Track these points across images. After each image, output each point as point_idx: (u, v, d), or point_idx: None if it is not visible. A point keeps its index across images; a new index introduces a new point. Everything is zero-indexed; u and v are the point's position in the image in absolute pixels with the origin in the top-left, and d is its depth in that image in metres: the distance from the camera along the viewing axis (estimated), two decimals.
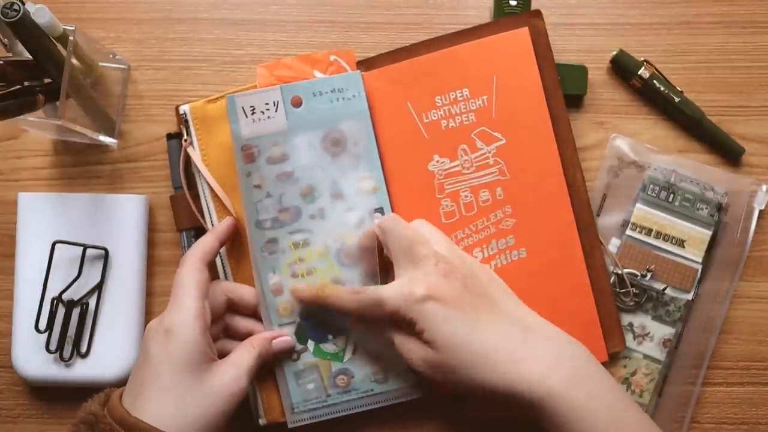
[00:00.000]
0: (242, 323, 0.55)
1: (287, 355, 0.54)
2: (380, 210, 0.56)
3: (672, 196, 0.59)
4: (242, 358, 0.50)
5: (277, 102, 0.55)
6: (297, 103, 0.55)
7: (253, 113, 0.54)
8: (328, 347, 0.54)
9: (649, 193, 0.59)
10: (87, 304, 0.58)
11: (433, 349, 0.47)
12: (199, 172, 0.58)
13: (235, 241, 0.57)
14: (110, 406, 0.45)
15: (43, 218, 0.59)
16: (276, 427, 0.56)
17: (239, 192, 0.55)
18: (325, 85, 0.56)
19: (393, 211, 0.57)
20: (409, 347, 0.49)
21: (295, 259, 0.55)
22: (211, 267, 0.54)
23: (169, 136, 0.60)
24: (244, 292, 0.55)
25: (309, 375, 0.54)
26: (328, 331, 0.55)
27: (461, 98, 0.57)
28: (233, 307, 0.55)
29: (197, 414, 0.45)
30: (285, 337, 0.54)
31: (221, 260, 0.58)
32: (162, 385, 0.46)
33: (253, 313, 0.55)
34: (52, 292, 0.57)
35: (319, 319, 0.55)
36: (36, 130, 0.61)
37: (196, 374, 0.46)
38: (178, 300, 0.49)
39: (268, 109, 0.55)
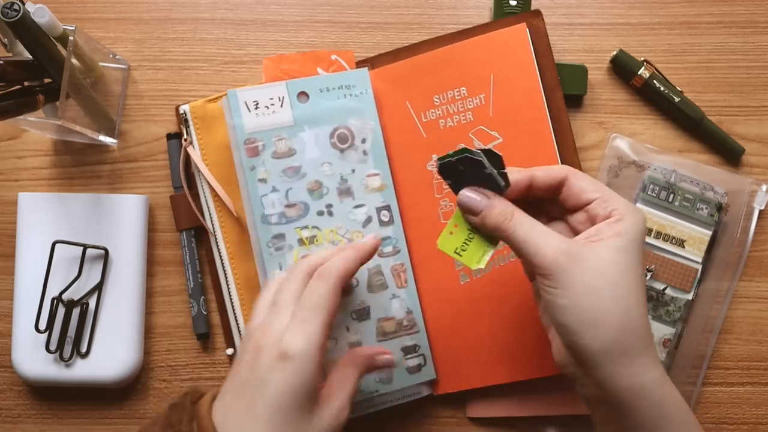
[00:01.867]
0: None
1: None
2: (387, 207, 0.56)
3: (672, 196, 0.59)
4: (346, 382, 0.44)
5: (283, 97, 0.55)
6: (303, 98, 0.55)
7: (256, 108, 0.54)
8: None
9: (649, 193, 0.59)
10: (87, 304, 0.58)
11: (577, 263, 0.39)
12: (199, 171, 0.58)
13: (236, 241, 0.57)
14: (201, 425, 0.40)
15: (43, 218, 0.59)
16: None
17: (239, 187, 0.55)
18: (332, 81, 0.56)
19: (399, 208, 0.57)
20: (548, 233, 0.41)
21: (303, 255, 0.55)
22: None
23: (169, 136, 0.60)
24: (352, 269, 0.47)
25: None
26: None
27: (459, 97, 0.57)
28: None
29: None
30: (388, 355, 0.49)
31: (221, 260, 0.58)
32: (270, 418, 0.39)
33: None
34: (52, 292, 0.57)
35: None
36: (36, 130, 0.61)
37: (306, 408, 0.41)
38: (305, 321, 0.42)
39: (272, 104, 0.55)
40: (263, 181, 0.54)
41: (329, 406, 0.42)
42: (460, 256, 0.44)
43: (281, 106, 0.55)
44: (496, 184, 0.42)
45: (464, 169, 0.42)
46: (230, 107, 0.53)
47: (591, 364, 0.39)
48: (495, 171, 0.41)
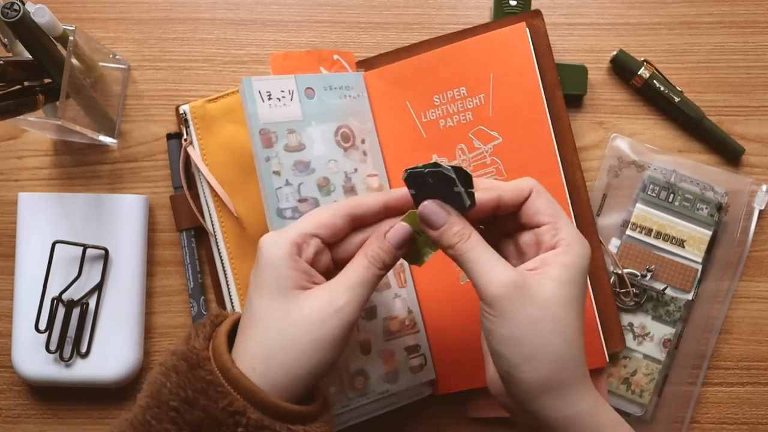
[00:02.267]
0: (357, 237, 0.45)
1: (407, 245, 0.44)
2: None
3: (672, 196, 0.59)
4: (346, 272, 0.42)
5: (292, 91, 0.55)
6: (310, 94, 0.55)
7: (269, 98, 0.54)
8: None
9: (649, 193, 0.59)
10: (87, 304, 0.58)
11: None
12: (199, 171, 0.58)
13: (236, 241, 0.57)
14: (216, 348, 0.40)
15: (43, 218, 0.59)
16: None
17: (258, 178, 0.54)
18: (335, 80, 0.56)
19: None
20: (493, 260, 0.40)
21: None
22: (355, 223, 0.44)
23: (169, 136, 0.60)
24: (366, 202, 0.44)
25: (330, 377, 0.53)
26: None
27: (459, 97, 0.57)
28: (360, 224, 0.45)
29: (282, 347, 0.39)
30: (400, 224, 0.43)
31: (221, 260, 0.58)
32: (251, 316, 0.41)
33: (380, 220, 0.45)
34: (52, 292, 0.57)
35: None
36: (36, 130, 0.61)
37: (284, 303, 0.40)
38: (292, 224, 0.43)
39: (283, 96, 0.54)
40: (277, 173, 0.53)
41: (312, 300, 0.40)
42: (416, 243, 0.44)
43: (291, 99, 0.54)
44: (461, 204, 0.42)
45: (432, 183, 0.42)
46: (246, 95, 0.53)
47: (526, 397, 0.39)
48: (463, 190, 0.41)
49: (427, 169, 0.41)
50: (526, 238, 0.43)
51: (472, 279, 0.40)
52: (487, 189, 0.42)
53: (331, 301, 0.40)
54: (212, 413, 0.37)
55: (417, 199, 0.43)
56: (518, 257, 0.44)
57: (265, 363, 0.39)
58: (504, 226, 0.45)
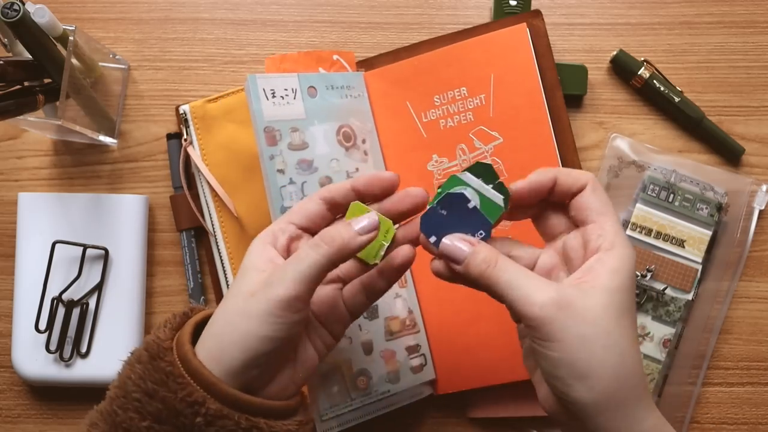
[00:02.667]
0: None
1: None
2: None
3: (672, 196, 0.59)
4: (293, 255, 0.40)
5: (295, 89, 0.55)
6: (313, 92, 0.55)
7: (273, 96, 0.54)
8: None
9: (649, 193, 0.59)
10: (87, 304, 0.58)
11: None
12: (199, 171, 0.58)
13: (236, 238, 0.57)
14: (179, 338, 0.39)
15: (43, 218, 0.59)
16: None
17: (262, 175, 0.54)
18: (336, 80, 0.56)
19: None
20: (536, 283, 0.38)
21: None
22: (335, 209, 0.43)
23: (169, 136, 0.60)
24: (335, 185, 0.43)
25: (333, 377, 0.53)
26: None
27: (459, 97, 0.57)
28: (337, 210, 0.44)
29: (219, 318, 0.39)
30: (369, 213, 0.42)
31: (221, 260, 0.58)
32: (221, 308, 0.40)
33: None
34: (52, 292, 0.57)
35: None
36: (36, 130, 0.61)
37: (238, 283, 0.40)
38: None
39: (287, 95, 0.54)
40: (281, 171, 0.53)
41: (265, 275, 0.39)
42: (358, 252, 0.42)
43: (294, 98, 0.54)
44: (496, 208, 0.40)
45: (447, 214, 0.40)
46: (250, 92, 0.53)
47: (584, 416, 0.37)
48: (490, 187, 0.39)
49: (435, 201, 0.40)
50: (572, 242, 0.40)
51: (510, 303, 0.38)
52: (545, 171, 0.41)
53: (267, 276, 0.39)
54: (171, 404, 0.37)
55: (438, 244, 0.40)
56: (565, 265, 0.41)
57: (206, 331, 0.39)
58: (553, 224, 0.42)
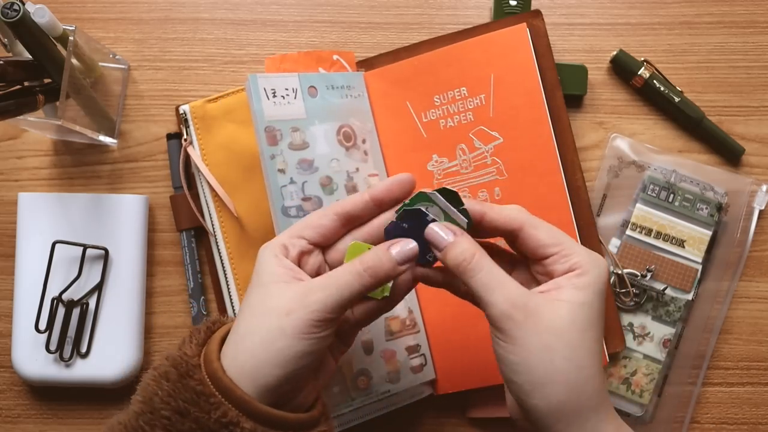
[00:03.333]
0: (350, 238, 0.44)
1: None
2: None
3: (672, 196, 0.59)
4: (330, 273, 0.40)
5: (296, 89, 0.55)
6: (313, 92, 0.55)
7: (274, 96, 0.54)
8: None
9: (649, 193, 0.59)
10: (87, 304, 0.58)
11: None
12: (199, 171, 0.58)
13: (236, 238, 0.57)
14: (207, 355, 0.39)
15: (43, 218, 0.59)
16: None
17: (263, 175, 0.54)
18: (336, 79, 0.56)
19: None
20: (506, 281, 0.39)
21: None
22: (348, 222, 0.43)
23: (169, 136, 0.60)
24: (351, 198, 0.43)
25: (334, 377, 0.53)
26: None
27: (459, 97, 0.57)
28: (351, 224, 0.44)
29: (249, 332, 0.39)
30: (408, 241, 0.41)
31: (221, 260, 0.58)
32: (251, 323, 0.40)
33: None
34: (52, 292, 0.57)
35: None
36: (36, 130, 0.61)
37: (262, 294, 0.40)
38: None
39: (288, 95, 0.54)
40: (282, 171, 0.53)
41: (294, 288, 0.39)
42: None
43: (295, 97, 0.54)
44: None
45: (407, 227, 0.41)
46: (251, 92, 0.53)
47: (541, 425, 0.37)
48: (455, 210, 0.41)
49: (396, 215, 0.42)
50: (537, 268, 0.41)
51: (481, 302, 0.39)
52: (474, 203, 0.41)
53: (304, 294, 0.39)
54: (204, 424, 0.36)
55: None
56: (533, 284, 0.42)
57: (235, 347, 0.39)
58: (510, 257, 0.44)
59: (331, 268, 0.43)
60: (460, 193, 0.41)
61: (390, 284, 0.42)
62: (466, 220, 0.41)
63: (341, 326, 0.43)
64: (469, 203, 0.41)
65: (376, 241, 0.42)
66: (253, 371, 0.38)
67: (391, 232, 0.42)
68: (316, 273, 0.42)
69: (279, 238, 0.42)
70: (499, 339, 0.38)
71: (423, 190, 0.41)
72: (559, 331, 0.37)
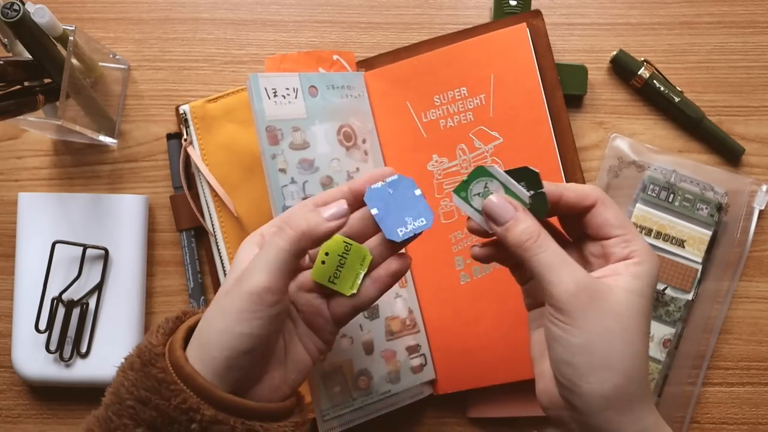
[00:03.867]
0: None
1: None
2: None
3: (672, 196, 0.59)
4: (261, 249, 0.40)
5: (297, 89, 0.55)
6: (314, 92, 0.55)
7: (275, 95, 0.54)
8: None
9: (649, 193, 0.59)
10: (87, 304, 0.58)
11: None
12: (199, 171, 0.58)
13: (236, 238, 0.57)
14: (172, 343, 0.39)
15: (43, 218, 0.59)
16: None
17: (264, 175, 0.53)
18: (336, 79, 0.56)
19: None
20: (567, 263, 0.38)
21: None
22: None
23: (169, 136, 0.60)
24: (331, 191, 0.43)
25: (334, 377, 0.53)
26: None
27: (459, 97, 0.57)
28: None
29: (212, 335, 0.38)
30: (339, 201, 0.41)
31: (221, 260, 0.58)
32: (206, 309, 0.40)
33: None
34: (52, 292, 0.57)
35: None
36: (36, 130, 0.61)
37: (223, 293, 0.39)
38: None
39: (288, 94, 0.54)
40: (283, 171, 0.53)
41: (239, 282, 0.38)
42: (334, 284, 0.41)
43: (295, 97, 0.54)
44: (426, 211, 0.41)
45: (392, 192, 0.41)
46: (252, 91, 0.53)
47: (591, 410, 0.37)
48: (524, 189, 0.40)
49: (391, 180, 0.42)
50: (592, 248, 0.41)
51: (542, 281, 0.38)
52: (551, 185, 0.41)
53: (241, 273, 0.39)
54: (165, 411, 0.36)
55: (380, 218, 0.41)
56: (584, 267, 0.40)
57: (198, 335, 0.39)
58: (567, 234, 0.44)
59: (312, 260, 0.43)
60: (540, 175, 0.40)
61: (359, 281, 0.41)
62: (529, 194, 0.40)
63: (315, 322, 0.42)
64: (546, 186, 0.40)
65: (356, 235, 0.42)
66: (200, 354, 0.38)
67: (376, 194, 0.41)
68: None
69: (260, 229, 0.42)
70: (559, 320, 0.37)
71: (483, 164, 0.40)
72: (619, 316, 0.37)
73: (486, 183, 0.40)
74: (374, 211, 0.41)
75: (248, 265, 0.39)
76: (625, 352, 0.37)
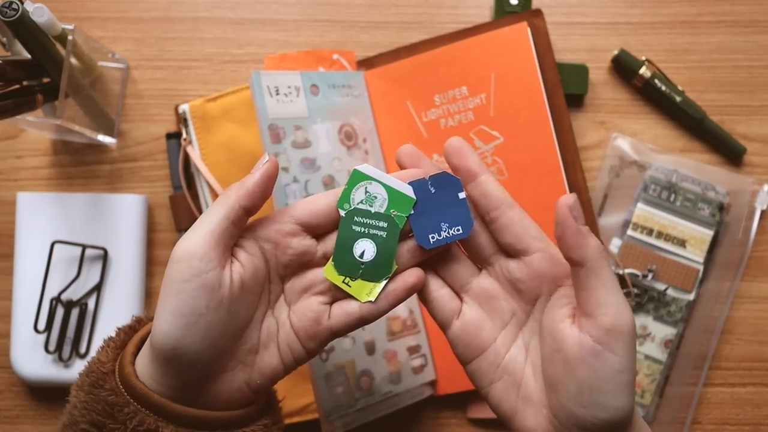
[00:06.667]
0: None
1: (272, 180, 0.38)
2: None
3: (673, 196, 0.58)
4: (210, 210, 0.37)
5: (298, 87, 0.54)
6: (315, 91, 0.55)
7: (277, 93, 0.53)
8: None
9: (650, 192, 0.58)
10: (86, 304, 0.57)
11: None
12: (198, 171, 0.57)
13: None
14: (122, 359, 0.37)
15: (42, 218, 0.58)
16: None
17: None
18: (337, 78, 0.56)
19: None
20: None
21: None
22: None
23: (169, 136, 0.60)
24: (316, 203, 0.38)
25: (337, 377, 0.53)
26: None
27: (460, 96, 0.57)
28: (311, 231, 0.39)
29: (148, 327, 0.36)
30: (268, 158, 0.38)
31: None
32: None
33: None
34: (51, 292, 0.57)
35: None
36: (35, 130, 0.61)
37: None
38: (196, 226, 0.37)
39: (290, 92, 0.54)
40: (285, 169, 0.53)
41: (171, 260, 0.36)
42: (349, 287, 0.38)
43: (297, 96, 0.54)
44: (466, 217, 0.37)
45: (435, 192, 0.37)
46: (255, 89, 0.53)
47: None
48: (389, 196, 0.37)
49: (343, 214, 0.37)
50: (518, 273, 0.37)
51: (597, 301, 0.34)
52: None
53: (196, 244, 0.35)
54: None
55: (413, 218, 0.37)
56: (512, 294, 0.38)
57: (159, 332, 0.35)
58: (481, 245, 0.39)
59: (326, 257, 0.39)
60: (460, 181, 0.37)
61: (378, 288, 0.38)
62: (414, 198, 0.37)
63: (310, 329, 0.38)
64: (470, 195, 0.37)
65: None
66: (150, 362, 0.36)
67: (419, 187, 0.37)
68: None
69: (203, 228, 0.37)
70: (608, 351, 0.34)
71: (357, 167, 0.37)
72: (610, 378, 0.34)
73: (366, 187, 0.37)
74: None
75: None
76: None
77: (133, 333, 0.40)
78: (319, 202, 0.38)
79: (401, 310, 0.56)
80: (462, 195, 0.37)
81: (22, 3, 0.47)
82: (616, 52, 0.61)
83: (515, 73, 0.56)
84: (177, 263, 0.35)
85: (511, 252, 0.38)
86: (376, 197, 0.37)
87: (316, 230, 0.38)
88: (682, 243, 0.58)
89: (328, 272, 0.38)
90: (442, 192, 0.37)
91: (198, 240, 0.35)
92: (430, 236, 0.37)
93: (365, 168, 0.37)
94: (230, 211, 0.36)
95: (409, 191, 0.37)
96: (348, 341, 0.54)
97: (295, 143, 0.53)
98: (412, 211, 0.37)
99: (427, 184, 0.37)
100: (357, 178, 0.37)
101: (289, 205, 0.38)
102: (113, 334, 0.39)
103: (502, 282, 0.39)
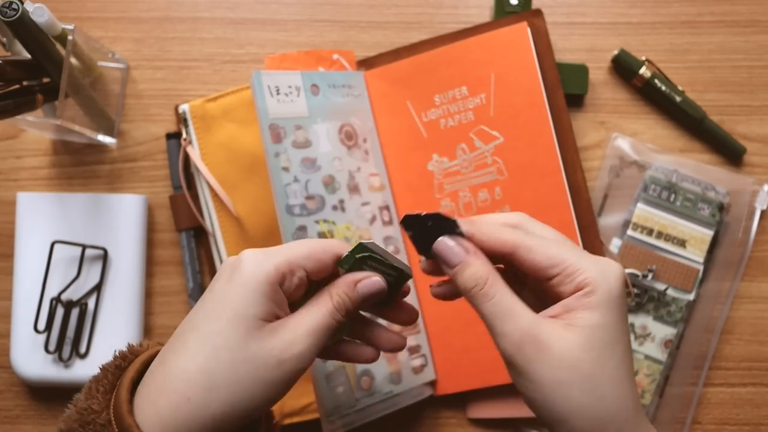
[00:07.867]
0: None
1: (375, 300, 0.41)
2: (386, 208, 0.56)
3: (673, 196, 0.58)
4: (308, 314, 0.37)
5: (299, 87, 0.54)
6: (315, 91, 0.55)
7: (278, 93, 0.53)
8: None
9: (650, 193, 0.58)
10: (86, 304, 0.57)
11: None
12: (198, 171, 0.57)
13: (235, 238, 0.57)
14: (117, 407, 0.35)
15: (42, 218, 0.58)
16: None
17: (268, 173, 0.53)
18: (337, 78, 0.56)
19: (396, 209, 0.56)
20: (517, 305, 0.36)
21: None
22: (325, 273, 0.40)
23: (169, 136, 0.60)
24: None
25: (338, 377, 0.53)
26: None
27: (459, 96, 0.57)
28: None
29: (231, 382, 0.34)
30: (374, 277, 0.39)
31: (220, 260, 0.58)
32: (197, 333, 0.36)
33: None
34: (51, 292, 0.57)
35: None
36: (35, 130, 0.61)
37: (244, 333, 0.35)
38: (278, 248, 0.38)
39: (290, 92, 0.54)
40: (286, 170, 0.53)
41: (273, 336, 0.36)
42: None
43: (297, 95, 0.54)
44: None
45: (432, 225, 0.38)
46: (256, 89, 0.53)
47: None
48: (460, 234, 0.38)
49: (424, 213, 0.38)
50: (545, 288, 0.37)
51: (490, 329, 0.36)
52: (465, 221, 0.38)
53: (291, 343, 0.36)
54: None
55: (414, 241, 0.39)
56: (541, 305, 0.37)
57: (206, 395, 0.34)
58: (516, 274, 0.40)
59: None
60: (454, 218, 0.38)
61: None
62: (408, 271, 0.40)
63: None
64: (461, 222, 0.37)
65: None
66: (226, 420, 0.35)
67: (409, 226, 0.39)
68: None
69: (274, 258, 0.37)
70: (512, 374, 0.35)
71: (362, 241, 0.39)
72: (573, 362, 0.34)
73: (367, 260, 0.39)
74: (410, 233, 0.39)
75: (302, 341, 0.36)
76: (585, 400, 0.34)
77: (120, 373, 0.38)
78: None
79: None
80: (459, 231, 0.37)
81: (22, 3, 0.47)
82: (616, 52, 0.61)
83: (515, 73, 0.56)
84: (290, 370, 0.36)
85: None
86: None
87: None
88: (682, 243, 0.58)
89: (342, 262, 0.39)
90: (439, 228, 0.38)
91: (315, 349, 0.37)
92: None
93: (369, 243, 0.39)
94: (335, 325, 0.38)
95: (407, 269, 0.41)
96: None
97: (296, 143, 0.53)
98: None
99: (426, 221, 0.38)
100: (359, 250, 0.39)
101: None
102: (104, 371, 0.38)
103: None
